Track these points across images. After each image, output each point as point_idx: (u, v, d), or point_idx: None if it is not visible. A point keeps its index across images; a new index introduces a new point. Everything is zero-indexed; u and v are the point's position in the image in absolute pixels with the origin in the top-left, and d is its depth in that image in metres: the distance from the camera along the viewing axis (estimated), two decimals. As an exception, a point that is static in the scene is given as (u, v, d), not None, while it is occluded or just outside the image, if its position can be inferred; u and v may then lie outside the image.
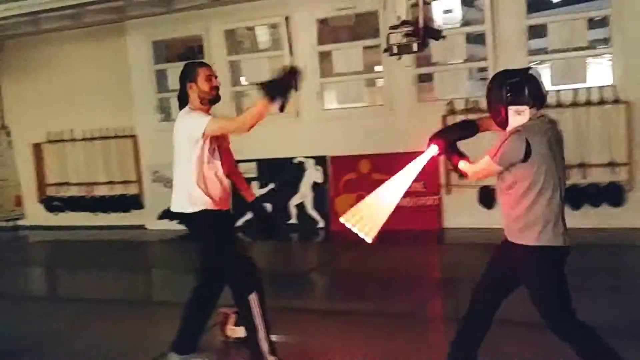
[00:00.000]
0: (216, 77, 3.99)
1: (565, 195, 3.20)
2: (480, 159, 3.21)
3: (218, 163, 3.90)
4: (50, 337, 5.09)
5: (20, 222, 10.78)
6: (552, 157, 3.09)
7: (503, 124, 3.16)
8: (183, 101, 4.01)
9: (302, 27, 8.68)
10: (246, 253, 4.10)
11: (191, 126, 3.81)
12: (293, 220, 8.80)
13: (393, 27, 5.22)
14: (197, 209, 3.83)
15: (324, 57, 8.75)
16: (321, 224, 8.67)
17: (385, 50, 5.24)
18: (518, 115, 3.09)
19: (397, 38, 5.16)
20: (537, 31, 7.75)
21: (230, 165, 4.13)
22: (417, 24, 5.10)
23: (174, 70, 9.71)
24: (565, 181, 3.22)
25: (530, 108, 3.10)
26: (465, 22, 8.43)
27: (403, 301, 5.32)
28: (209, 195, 3.84)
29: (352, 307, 5.49)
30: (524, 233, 3.12)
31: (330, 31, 9.08)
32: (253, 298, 3.80)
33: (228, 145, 4.12)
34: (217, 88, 3.95)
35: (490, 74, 7.66)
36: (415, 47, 5.05)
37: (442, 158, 3.38)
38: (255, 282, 3.87)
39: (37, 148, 10.48)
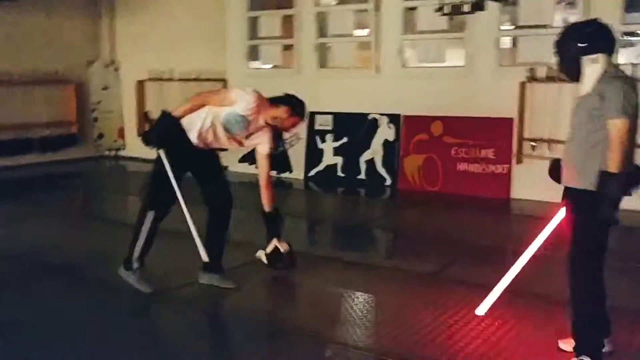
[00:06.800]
0: None
1: None
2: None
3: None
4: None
5: (121, 153, 11.74)
6: None
7: (576, 75, 3.20)
8: None
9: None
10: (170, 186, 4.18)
11: None
12: (362, 176, 8.91)
13: (453, -14, 5.08)
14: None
15: (409, 13, 8.60)
16: (388, 182, 8.71)
17: (438, 10, 5.12)
18: (592, 64, 3.14)
19: (453, -3, 5.04)
20: None
21: None
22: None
23: (266, 18, 9.97)
24: None
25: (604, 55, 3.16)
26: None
27: (432, 262, 5.35)
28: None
29: (385, 262, 5.66)
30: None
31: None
32: (149, 215, 4.20)
33: None
34: None
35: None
36: (466, 8, 4.90)
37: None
38: (160, 207, 4.22)
39: (140, 85, 11.26)
